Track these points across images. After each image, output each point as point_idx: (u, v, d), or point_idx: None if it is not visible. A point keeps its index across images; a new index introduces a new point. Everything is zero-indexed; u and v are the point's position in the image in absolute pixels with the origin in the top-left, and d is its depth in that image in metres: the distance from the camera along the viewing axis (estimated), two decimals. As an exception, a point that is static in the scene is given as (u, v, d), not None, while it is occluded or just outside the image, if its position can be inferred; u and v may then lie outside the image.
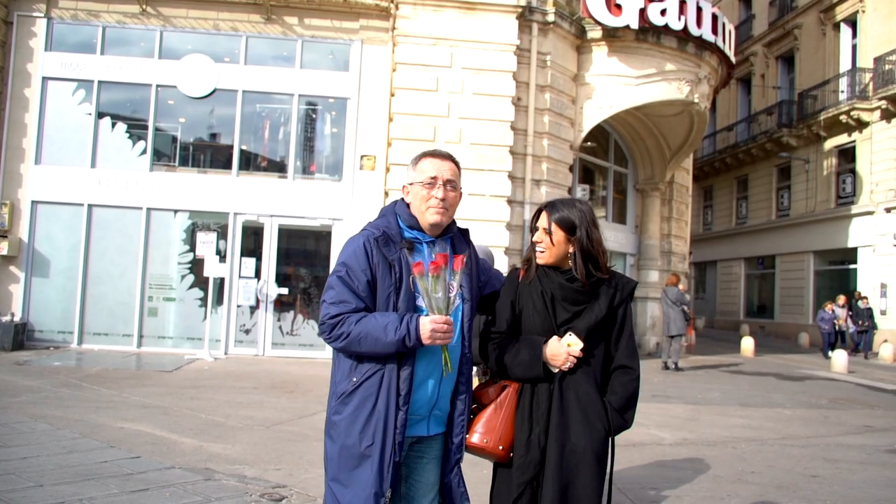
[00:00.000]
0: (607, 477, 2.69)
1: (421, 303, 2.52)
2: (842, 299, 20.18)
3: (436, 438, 2.68)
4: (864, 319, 19.49)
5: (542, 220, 2.73)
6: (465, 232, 2.80)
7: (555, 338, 2.65)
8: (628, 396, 2.69)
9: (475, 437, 2.65)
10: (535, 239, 2.74)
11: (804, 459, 6.81)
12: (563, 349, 2.61)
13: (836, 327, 19.52)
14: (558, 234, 2.69)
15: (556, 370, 2.64)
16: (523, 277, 2.79)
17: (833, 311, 19.66)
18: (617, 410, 2.66)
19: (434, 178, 2.62)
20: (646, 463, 6.38)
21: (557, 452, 2.59)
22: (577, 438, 2.60)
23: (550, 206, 2.75)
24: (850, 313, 19.95)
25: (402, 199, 2.72)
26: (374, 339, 2.43)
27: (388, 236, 2.56)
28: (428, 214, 2.61)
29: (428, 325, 2.43)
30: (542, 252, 2.72)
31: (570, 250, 2.70)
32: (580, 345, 2.61)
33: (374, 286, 2.51)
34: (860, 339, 19.66)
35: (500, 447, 2.66)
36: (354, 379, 2.51)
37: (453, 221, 2.73)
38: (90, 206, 12.82)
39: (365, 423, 2.46)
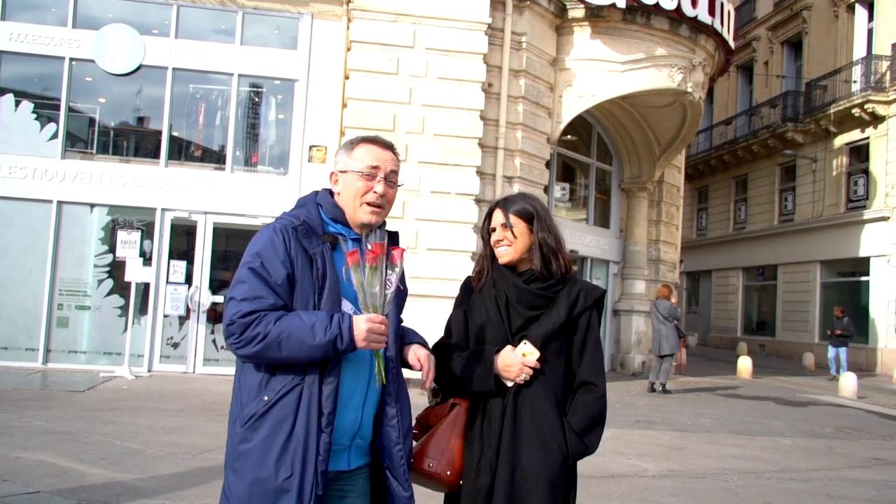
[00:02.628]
0: None
1: (346, 307, 2.46)
2: None
3: (359, 473, 2.59)
4: None
5: (498, 217, 2.82)
6: (395, 235, 2.67)
7: (508, 347, 2.69)
8: (591, 417, 2.71)
9: (421, 463, 2.66)
10: (495, 238, 2.81)
11: (804, 495, 6.91)
12: (518, 359, 2.65)
13: None
14: (519, 226, 2.78)
15: (511, 383, 2.67)
16: (476, 284, 2.86)
17: None
18: (576, 433, 2.67)
19: (375, 167, 2.55)
20: (625, 497, 6.41)
21: (507, 475, 2.62)
22: (528, 461, 2.63)
23: (503, 202, 2.87)
24: None
25: (326, 189, 2.65)
26: (298, 342, 2.31)
27: (309, 226, 2.48)
28: (361, 212, 2.54)
29: (363, 324, 2.33)
30: (507, 248, 2.78)
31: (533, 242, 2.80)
32: (536, 354, 2.65)
33: (292, 283, 2.41)
34: None
35: (448, 472, 2.66)
36: (266, 398, 2.38)
37: (383, 222, 2.66)
38: (-11, 198, 12.57)
39: (281, 451, 2.34)
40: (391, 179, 2.58)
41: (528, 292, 2.76)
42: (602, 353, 2.84)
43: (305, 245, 2.44)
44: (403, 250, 2.52)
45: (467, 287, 2.90)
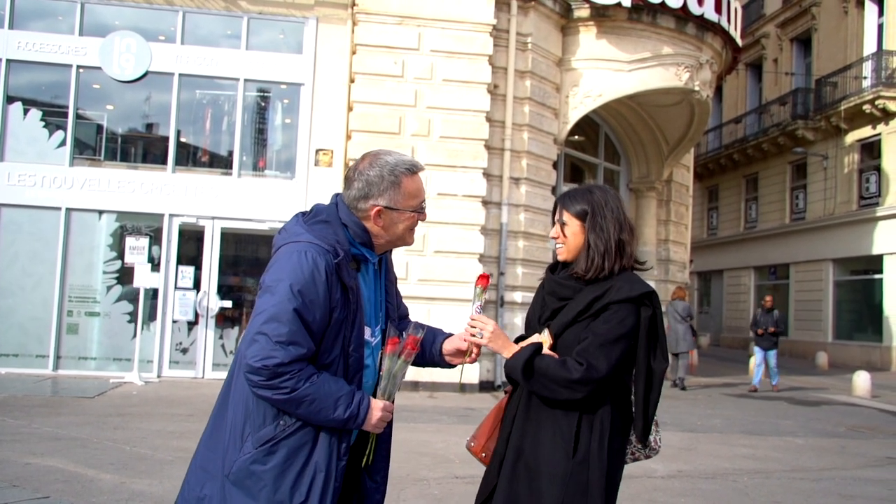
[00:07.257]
0: None
1: (368, 335, 2.51)
2: None
3: None
4: None
5: (557, 213, 2.83)
6: None
7: (534, 336, 2.77)
8: (545, 374, 2.56)
9: (470, 443, 2.88)
10: (551, 235, 2.84)
11: (815, 495, 6.89)
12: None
13: None
14: (573, 225, 2.74)
15: None
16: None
17: None
18: (522, 363, 2.58)
19: (423, 201, 2.62)
20: (634, 498, 6.41)
21: (512, 460, 2.65)
22: (533, 450, 2.62)
23: (563, 197, 2.85)
24: None
25: (342, 200, 2.55)
26: (318, 408, 2.31)
27: (347, 258, 2.45)
28: (409, 239, 2.64)
29: (377, 412, 2.41)
30: (561, 247, 2.79)
31: None
32: (548, 342, 2.67)
33: (328, 319, 2.39)
34: None
35: (484, 454, 2.82)
36: (282, 423, 2.35)
37: None
38: (-3, 205, 12.68)
39: (298, 476, 2.34)
40: None
41: (555, 282, 2.80)
42: (612, 352, 2.57)
43: (344, 280, 2.40)
44: (489, 276, 2.71)
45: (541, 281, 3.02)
